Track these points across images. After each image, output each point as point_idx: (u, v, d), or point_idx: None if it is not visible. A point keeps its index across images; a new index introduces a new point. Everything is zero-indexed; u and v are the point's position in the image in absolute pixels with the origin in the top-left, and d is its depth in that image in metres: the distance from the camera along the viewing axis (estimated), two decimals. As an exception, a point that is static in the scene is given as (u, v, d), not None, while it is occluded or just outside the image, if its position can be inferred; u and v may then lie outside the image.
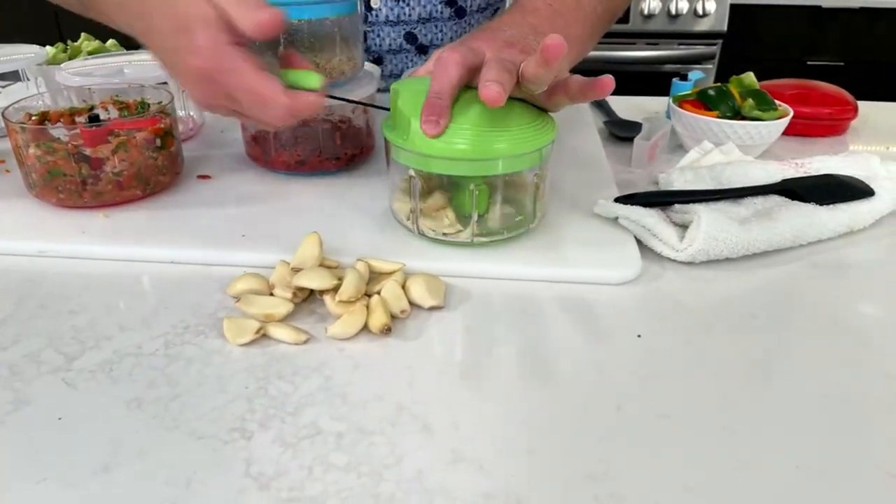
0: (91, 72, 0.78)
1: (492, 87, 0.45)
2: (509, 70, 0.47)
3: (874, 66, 2.33)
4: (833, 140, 0.84)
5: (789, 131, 0.78)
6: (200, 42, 0.46)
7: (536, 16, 0.59)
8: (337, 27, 0.63)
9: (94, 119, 0.63)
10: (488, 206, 0.53)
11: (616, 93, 0.99)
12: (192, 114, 0.81)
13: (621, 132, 0.83)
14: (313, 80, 0.51)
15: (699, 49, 2.25)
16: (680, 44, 2.26)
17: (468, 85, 0.52)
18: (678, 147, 0.80)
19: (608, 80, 0.48)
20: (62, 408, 0.40)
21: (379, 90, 0.93)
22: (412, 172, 0.53)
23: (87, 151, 0.58)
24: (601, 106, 0.94)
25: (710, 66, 2.26)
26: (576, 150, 0.76)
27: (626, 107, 0.94)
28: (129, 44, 0.97)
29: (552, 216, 0.60)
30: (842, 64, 2.33)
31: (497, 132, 0.50)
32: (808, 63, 2.34)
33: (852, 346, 0.46)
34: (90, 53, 0.90)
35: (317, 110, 0.50)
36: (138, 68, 0.80)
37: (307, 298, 0.50)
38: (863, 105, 0.87)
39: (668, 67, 2.23)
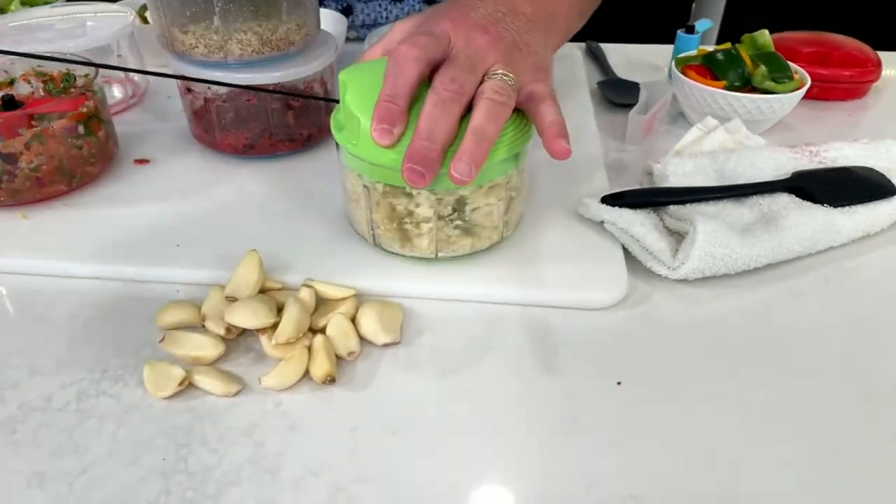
0: (10, 31, 0.68)
1: (460, 168, 0.40)
2: (453, 99, 0.41)
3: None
4: (852, 105, 0.75)
5: (804, 95, 0.69)
6: None
7: (518, -8, 0.50)
8: (282, -9, 0.53)
9: (8, 103, 0.54)
10: (454, 217, 0.46)
11: (616, 40, 0.90)
12: (135, 77, 0.72)
13: (617, 97, 0.74)
14: None
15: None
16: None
17: (430, 77, 0.44)
18: (679, 115, 0.72)
19: (565, 153, 0.43)
20: (-49, 487, 0.35)
21: (348, 40, 0.84)
22: (364, 182, 0.45)
23: (-2, 145, 0.51)
24: (597, 59, 0.85)
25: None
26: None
27: (626, 59, 0.85)
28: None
29: (531, 214, 0.53)
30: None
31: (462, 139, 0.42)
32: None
33: (873, 388, 0.40)
34: (24, 3, 0.79)
35: None
36: (64, 29, 0.70)
37: (244, 332, 0.44)
38: (886, 58, 0.77)
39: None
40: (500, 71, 0.43)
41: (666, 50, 0.85)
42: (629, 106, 0.68)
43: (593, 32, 0.80)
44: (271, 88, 0.56)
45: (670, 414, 0.39)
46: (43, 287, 0.48)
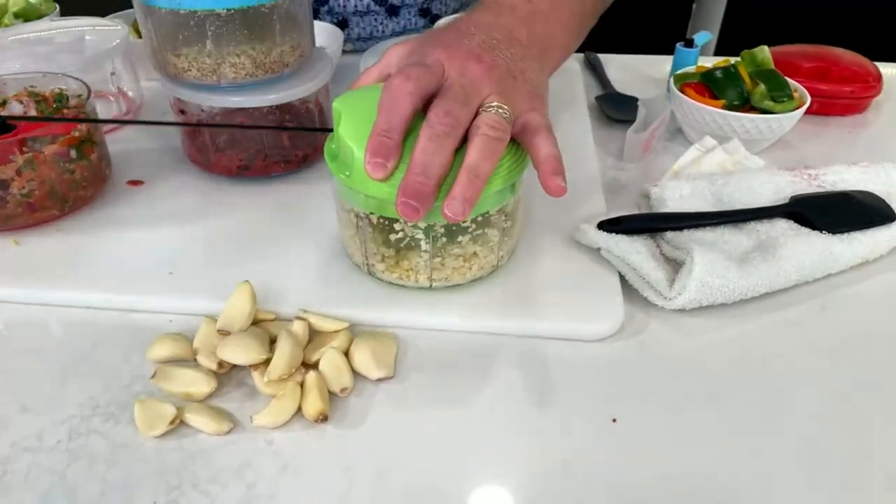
0: (9, 45, 0.68)
1: (454, 207, 0.40)
2: (447, 133, 0.41)
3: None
4: (852, 120, 0.74)
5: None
6: None
7: (513, 17, 0.49)
8: (275, 14, 0.53)
9: (1, 127, 0.54)
10: (449, 247, 0.46)
11: (615, 49, 0.89)
12: (129, 93, 0.71)
13: (615, 113, 0.73)
14: None
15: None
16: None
17: (425, 109, 0.44)
18: (678, 131, 0.71)
19: (560, 191, 0.42)
20: (-60, 532, 0.35)
21: (345, 52, 0.83)
22: (358, 212, 0.45)
23: (-11, 170, 0.50)
24: (595, 71, 0.84)
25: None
26: (560, 137, 0.67)
27: (625, 70, 0.84)
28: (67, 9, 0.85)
29: (527, 239, 0.53)
30: None
31: (457, 172, 0.42)
32: None
33: (871, 417, 0.40)
34: (17, 16, 0.79)
35: None
36: (63, 43, 0.69)
37: (236, 365, 0.43)
38: (886, 70, 0.76)
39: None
40: (494, 103, 0.42)
41: (664, 61, 0.84)
42: (627, 122, 0.68)
43: (591, 43, 0.80)
44: (265, 112, 0.55)
45: (667, 444, 0.39)
46: (35, 317, 0.48)
